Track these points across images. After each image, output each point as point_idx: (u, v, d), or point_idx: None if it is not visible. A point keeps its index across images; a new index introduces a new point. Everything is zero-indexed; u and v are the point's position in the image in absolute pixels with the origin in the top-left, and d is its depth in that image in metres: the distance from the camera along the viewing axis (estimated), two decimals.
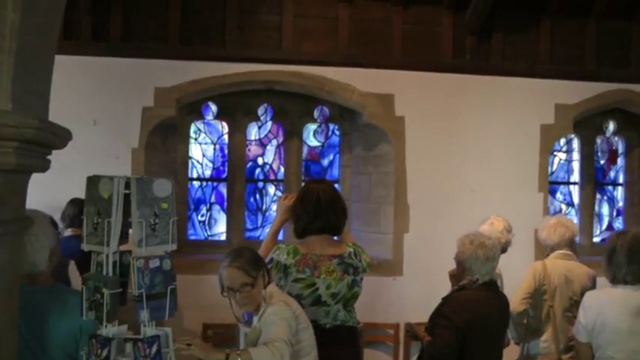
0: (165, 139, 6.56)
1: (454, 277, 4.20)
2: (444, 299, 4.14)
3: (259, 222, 7.06)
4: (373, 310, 6.31)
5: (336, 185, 6.98)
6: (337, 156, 7.17)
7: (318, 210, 3.86)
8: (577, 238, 7.48)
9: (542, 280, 4.71)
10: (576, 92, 7.09)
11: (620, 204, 8.11)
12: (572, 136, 7.74)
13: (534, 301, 4.72)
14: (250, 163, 7.02)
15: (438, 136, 6.66)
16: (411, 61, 6.59)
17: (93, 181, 2.45)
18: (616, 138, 8.03)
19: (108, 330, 2.39)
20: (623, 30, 7.11)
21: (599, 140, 7.97)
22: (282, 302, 3.39)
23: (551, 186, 7.59)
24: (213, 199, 6.99)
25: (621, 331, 3.64)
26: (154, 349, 2.37)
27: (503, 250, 5.29)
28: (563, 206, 7.86)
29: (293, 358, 3.29)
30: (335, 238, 4.03)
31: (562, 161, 7.85)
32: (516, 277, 4.95)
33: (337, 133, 7.15)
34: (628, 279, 3.72)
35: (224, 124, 6.95)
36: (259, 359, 3.05)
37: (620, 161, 8.07)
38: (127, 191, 2.40)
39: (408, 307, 6.37)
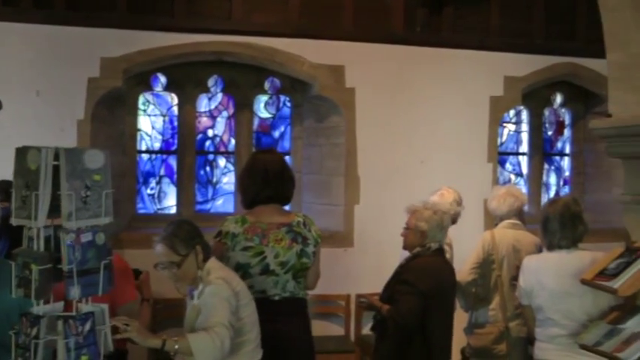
0: (112, 110, 6.44)
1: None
2: (402, 267, 4.29)
3: (210, 195, 7.01)
4: (324, 281, 6.26)
5: (287, 157, 6.94)
6: (288, 128, 7.13)
7: (266, 180, 3.82)
8: (526, 208, 7.65)
9: (491, 249, 4.77)
10: (525, 65, 7.15)
11: (567, 173, 8.27)
12: (521, 107, 7.83)
13: (483, 270, 4.77)
14: (200, 136, 6.93)
15: (388, 107, 6.66)
16: (361, 32, 6.56)
17: (21, 153, 2.37)
18: (563, 110, 8.16)
19: (39, 308, 2.33)
20: (570, 5, 7.16)
21: (546, 112, 8.09)
22: (220, 280, 3.29)
23: (500, 157, 7.68)
24: (162, 171, 6.89)
25: (556, 293, 3.77)
26: (87, 326, 2.32)
27: (453, 221, 5.33)
28: (513, 176, 7.97)
29: (236, 336, 3.24)
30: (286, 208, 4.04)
31: (511, 132, 7.94)
32: (467, 248, 4.98)
33: (288, 104, 7.11)
34: (562, 244, 3.87)
35: (173, 95, 6.84)
36: (197, 346, 3.01)
37: (566, 132, 8.21)
38: (57, 162, 2.32)
39: (358, 278, 6.39)
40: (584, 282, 3.18)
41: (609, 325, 3.14)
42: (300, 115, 7.09)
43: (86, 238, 2.35)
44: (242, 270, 3.71)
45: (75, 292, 2.35)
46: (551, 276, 3.83)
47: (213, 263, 3.41)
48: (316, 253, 3.86)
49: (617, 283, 2.95)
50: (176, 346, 3.01)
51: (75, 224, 2.33)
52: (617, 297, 3.27)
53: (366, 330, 5.69)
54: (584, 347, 3.19)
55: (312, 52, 6.46)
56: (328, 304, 6.56)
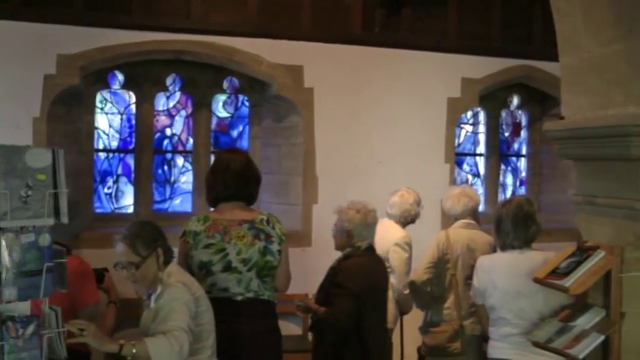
0: (69, 108, 6.35)
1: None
2: (334, 269, 4.34)
3: (167, 194, 6.96)
4: None
5: None
6: (247, 127, 7.11)
7: (228, 178, 3.84)
8: (481, 208, 7.74)
9: (446, 249, 4.82)
10: (482, 67, 7.24)
11: (524, 174, 8.39)
12: (478, 109, 7.92)
13: (438, 269, 4.83)
14: (158, 134, 6.87)
15: (346, 107, 6.69)
16: (320, 32, 6.57)
17: None
18: (520, 112, 8.28)
19: None
20: (526, 9, 7.26)
21: (503, 113, 8.20)
22: (180, 284, 3.27)
23: (457, 157, 7.76)
24: (120, 170, 6.82)
25: (509, 293, 3.81)
26: (30, 330, 2.24)
27: (412, 221, 5.41)
28: (470, 177, 8.06)
29: (194, 342, 3.21)
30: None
31: (468, 133, 8.03)
32: (425, 247, 5.04)
33: (247, 104, 7.09)
34: (515, 244, 3.92)
35: (131, 93, 6.77)
36: (155, 351, 2.97)
37: (523, 134, 8.34)
38: None
39: (316, 277, 6.31)
40: (536, 281, 3.24)
41: (560, 322, 3.21)
42: (258, 115, 7.07)
43: (28, 238, 2.27)
44: (205, 268, 3.70)
45: (10, 293, 2.27)
46: (503, 276, 3.88)
47: (173, 267, 3.39)
48: (282, 252, 3.84)
49: (568, 282, 3.01)
50: (134, 350, 2.97)
51: (10, 224, 2.25)
52: (568, 296, 3.34)
53: None
54: (536, 344, 3.25)
55: (270, 52, 6.46)
56: (286, 304, 6.53)
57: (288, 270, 3.95)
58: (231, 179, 3.84)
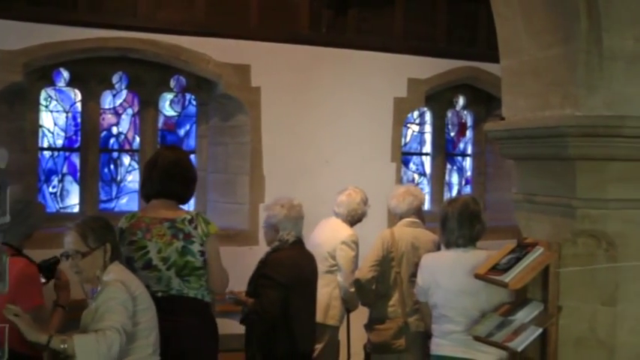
0: (12, 106, 6.23)
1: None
2: (262, 262, 4.51)
3: (114, 193, 6.89)
4: (230, 279, 6.34)
5: (192, 156, 6.92)
6: (194, 126, 7.08)
7: (155, 175, 3.84)
8: (427, 207, 7.85)
9: (390, 247, 4.89)
10: (428, 68, 7.35)
11: (469, 173, 8.53)
12: (425, 109, 8.03)
13: (382, 267, 4.89)
14: (104, 133, 6.78)
15: (293, 107, 6.71)
16: (267, 32, 6.59)
17: None
18: (465, 112, 8.42)
19: None
20: (471, 12, 7.37)
21: (449, 114, 8.33)
22: (118, 282, 3.25)
23: (404, 157, 7.86)
24: (65, 169, 6.72)
25: (452, 291, 3.85)
26: None
27: (359, 220, 5.47)
28: (416, 176, 8.16)
29: (129, 342, 3.20)
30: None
31: (415, 133, 8.13)
32: (370, 245, 5.09)
33: (194, 103, 7.06)
34: (459, 242, 3.94)
35: (77, 91, 6.66)
36: (81, 348, 2.95)
37: (468, 133, 8.48)
38: None
39: None
40: (477, 277, 3.32)
41: (501, 317, 3.30)
42: (205, 114, 7.05)
43: None
44: (129, 265, 3.69)
45: None
46: (446, 274, 3.91)
47: (115, 266, 3.38)
48: (210, 253, 3.77)
49: (507, 277, 3.09)
50: (62, 345, 2.96)
51: None
52: (510, 294, 3.43)
53: None
54: (477, 338, 3.33)
55: (217, 51, 6.44)
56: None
57: (219, 270, 3.87)
58: (157, 176, 3.84)
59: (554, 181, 3.13)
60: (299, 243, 4.60)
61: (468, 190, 8.46)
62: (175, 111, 7.04)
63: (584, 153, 2.95)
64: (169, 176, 3.81)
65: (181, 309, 3.73)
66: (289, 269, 4.38)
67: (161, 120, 6.97)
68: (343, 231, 5.32)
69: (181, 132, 7.08)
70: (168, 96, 6.98)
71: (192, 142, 7.08)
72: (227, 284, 3.98)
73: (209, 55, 6.43)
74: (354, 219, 5.44)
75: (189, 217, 3.77)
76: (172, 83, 6.90)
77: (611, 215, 3.04)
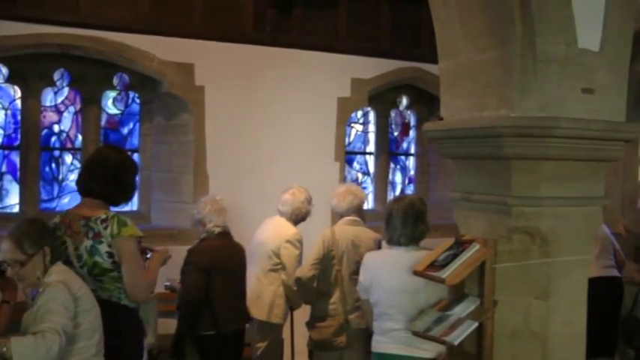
0: None
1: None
2: (189, 251, 4.97)
3: (55, 192, 6.80)
4: (172, 278, 6.32)
5: (135, 155, 6.90)
6: (137, 125, 7.05)
7: (80, 173, 3.89)
8: (370, 205, 7.95)
9: (331, 245, 4.93)
10: (371, 68, 7.45)
11: (412, 172, 8.67)
12: (368, 109, 8.13)
13: (323, 265, 4.92)
14: (45, 131, 6.70)
15: (238, 106, 6.74)
16: (211, 31, 6.59)
17: None
18: (408, 112, 8.56)
19: None
20: (414, 13, 7.48)
21: (393, 113, 8.45)
22: (60, 283, 3.21)
23: (348, 156, 7.95)
24: (4, 168, 6.60)
25: (392, 289, 3.87)
26: None
27: (303, 219, 5.51)
28: (360, 175, 8.26)
29: (71, 343, 3.17)
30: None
31: (359, 132, 8.23)
32: (314, 244, 5.10)
33: (137, 101, 7.02)
34: (402, 241, 3.97)
35: (16, 88, 6.55)
36: (19, 350, 2.91)
37: (411, 133, 8.62)
38: None
39: None
40: (415, 273, 3.38)
41: (439, 312, 3.38)
42: (149, 112, 7.02)
43: None
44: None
45: None
46: (387, 272, 3.94)
47: (58, 267, 3.34)
48: (115, 256, 3.58)
49: (445, 273, 3.17)
50: (2, 349, 2.90)
51: None
52: (448, 292, 3.51)
53: None
54: (416, 334, 3.40)
55: (161, 49, 6.43)
56: (174, 302, 6.53)
57: (131, 275, 3.60)
58: (80, 173, 3.87)
59: (491, 180, 3.22)
60: (225, 234, 5.07)
61: (411, 189, 8.59)
62: (118, 109, 6.99)
63: (519, 153, 3.04)
64: (88, 174, 3.75)
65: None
66: (211, 255, 4.81)
67: (104, 118, 6.91)
68: (287, 230, 5.36)
69: (124, 130, 7.04)
70: (112, 94, 6.93)
71: (135, 140, 7.04)
72: (144, 291, 3.68)
73: (153, 54, 6.41)
74: (297, 218, 5.49)
75: (103, 216, 3.62)
76: (116, 81, 6.86)
77: (545, 212, 3.14)
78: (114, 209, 3.80)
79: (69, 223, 3.66)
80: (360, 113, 8.11)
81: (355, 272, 4.66)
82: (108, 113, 6.94)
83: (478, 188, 3.31)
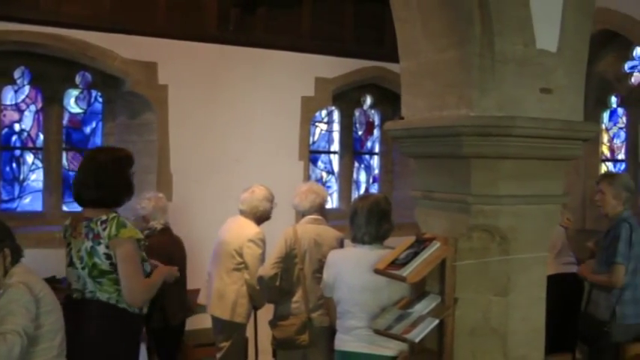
0: None
1: None
2: None
3: (16, 192, 6.72)
4: None
5: None
6: (100, 124, 6.99)
7: (73, 183, 3.82)
8: (335, 204, 7.98)
9: (293, 244, 4.93)
10: (335, 67, 7.48)
11: (376, 171, 8.72)
12: (333, 108, 8.16)
13: (286, 264, 4.92)
14: (6, 130, 6.61)
15: (202, 105, 6.72)
16: (174, 29, 6.57)
17: None
18: (372, 111, 8.60)
19: None
20: (378, 13, 7.51)
21: (357, 113, 8.50)
22: (21, 284, 3.16)
23: (312, 155, 7.98)
24: None
25: (355, 287, 3.88)
26: None
27: (265, 217, 5.50)
28: (324, 174, 8.29)
29: (32, 345, 3.14)
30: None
31: (323, 131, 8.26)
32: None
33: (100, 100, 6.96)
34: (366, 239, 3.99)
35: None
36: None
37: (376, 132, 8.67)
38: None
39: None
40: (377, 271, 3.40)
41: (400, 310, 3.41)
42: (112, 111, 6.97)
43: None
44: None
45: None
46: (350, 270, 3.95)
47: (19, 268, 3.29)
48: (112, 258, 3.57)
49: (406, 272, 3.20)
50: None
51: None
52: (411, 290, 3.54)
53: None
54: (377, 332, 3.42)
55: (124, 48, 6.39)
56: None
57: (128, 278, 3.57)
58: (73, 185, 3.80)
59: (451, 179, 3.25)
60: (167, 230, 5.35)
61: (375, 188, 8.64)
62: (81, 108, 6.93)
63: (478, 151, 3.08)
64: (78, 180, 3.74)
65: (92, 313, 3.62)
66: (158, 253, 4.62)
67: (66, 117, 6.85)
68: (250, 229, 5.35)
69: (87, 129, 6.98)
70: (74, 92, 6.88)
71: (98, 140, 6.98)
72: (140, 295, 3.65)
73: (116, 52, 6.37)
74: (258, 216, 5.46)
75: (104, 217, 3.61)
76: (78, 79, 6.80)
77: (504, 210, 3.17)
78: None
79: (74, 225, 3.69)
80: (324, 112, 8.14)
81: (318, 271, 4.68)
82: (70, 112, 6.88)
83: (439, 187, 3.34)
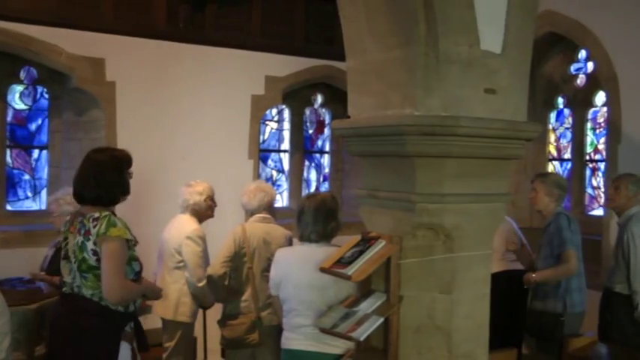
0: None
1: None
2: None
3: None
4: None
5: (44, 151, 6.73)
6: (46, 120, 6.86)
7: (73, 182, 3.89)
8: (285, 203, 7.97)
9: (242, 243, 4.91)
10: (286, 66, 7.47)
11: (327, 170, 8.73)
12: (283, 106, 8.15)
13: (235, 263, 4.91)
14: None
15: (150, 102, 6.65)
16: (122, 25, 6.49)
17: None
18: (323, 110, 8.61)
19: None
20: (329, 12, 7.49)
21: (307, 111, 8.50)
22: None
23: (262, 153, 7.96)
24: None
25: (301, 285, 3.90)
26: None
27: (205, 214, 5.42)
28: (274, 173, 8.27)
29: None
30: None
31: (273, 130, 8.24)
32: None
33: (46, 96, 6.84)
34: (312, 237, 4.03)
35: None
36: None
37: (326, 131, 8.68)
38: None
39: None
40: (322, 270, 3.40)
41: (346, 308, 3.41)
42: (58, 108, 6.85)
43: None
44: None
45: None
46: (296, 268, 3.97)
47: None
48: (99, 254, 3.62)
49: (351, 270, 3.20)
50: None
51: None
52: (356, 288, 3.54)
53: None
54: (322, 330, 3.42)
55: (70, 43, 6.28)
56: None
57: (109, 276, 3.59)
58: (73, 184, 3.89)
59: (396, 177, 3.26)
60: None
61: (325, 186, 8.65)
62: (26, 104, 6.80)
63: (423, 150, 3.09)
64: (81, 183, 3.82)
65: (77, 308, 3.70)
66: None
67: (10, 113, 6.71)
68: (188, 226, 5.30)
69: (32, 126, 6.85)
70: (18, 88, 6.74)
71: (44, 137, 6.86)
72: (118, 293, 3.63)
73: (61, 47, 6.27)
74: (195, 212, 5.40)
75: (96, 215, 3.70)
76: (22, 75, 6.66)
77: (448, 209, 3.20)
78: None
79: (72, 221, 3.82)
80: (274, 111, 8.13)
81: (267, 269, 4.66)
82: (14, 108, 6.74)
83: (384, 185, 3.35)
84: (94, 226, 3.64)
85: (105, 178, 3.80)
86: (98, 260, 3.63)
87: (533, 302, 5.33)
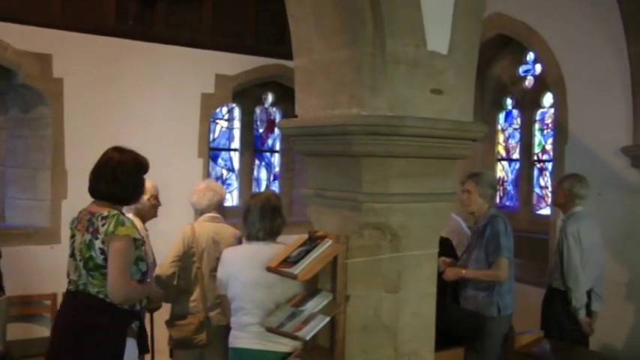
0: None
1: None
2: None
3: None
4: (27, 280, 6.10)
5: None
6: None
7: (89, 176, 3.92)
8: (235, 202, 7.93)
9: (191, 242, 4.88)
10: (236, 64, 7.44)
11: (277, 169, 8.72)
12: (233, 105, 8.12)
13: (184, 263, 4.87)
14: None
15: (98, 100, 6.55)
16: (71, 21, 6.38)
17: None
18: (274, 109, 8.61)
19: None
20: (279, 11, 7.44)
21: (258, 110, 8.49)
22: None
23: (212, 152, 7.91)
24: None
25: (248, 283, 3.92)
26: None
27: (149, 214, 5.32)
28: (224, 171, 8.23)
29: None
30: None
31: (223, 129, 8.20)
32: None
33: None
34: (260, 235, 4.06)
35: None
36: None
37: (277, 130, 8.67)
38: None
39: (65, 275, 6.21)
40: (269, 269, 3.40)
41: (292, 307, 3.42)
42: (3, 105, 6.72)
43: None
44: None
45: None
46: (244, 267, 3.98)
47: None
48: (106, 253, 3.61)
49: (297, 269, 3.20)
50: None
51: None
52: (304, 286, 3.55)
53: None
54: (269, 329, 3.42)
55: (16, 38, 6.15)
56: (32, 305, 6.31)
57: (114, 275, 3.59)
58: (89, 177, 3.91)
59: (342, 177, 3.27)
60: None
61: (276, 185, 8.64)
62: None
63: (369, 150, 3.11)
64: (97, 178, 3.86)
65: (82, 305, 3.70)
66: None
67: None
68: None
69: None
70: None
71: None
72: (121, 292, 3.61)
73: (7, 42, 6.14)
74: (137, 210, 5.28)
75: (105, 213, 3.70)
76: None
77: (394, 208, 3.22)
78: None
79: (79, 218, 3.81)
80: (224, 109, 8.09)
81: (215, 269, 4.61)
82: None
83: (330, 185, 3.36)
84: (103, 225, 3.66)
85: (123, 175, 3.86)
86: (105, 259, 3.64)
87: (463, 303, 5.29)
